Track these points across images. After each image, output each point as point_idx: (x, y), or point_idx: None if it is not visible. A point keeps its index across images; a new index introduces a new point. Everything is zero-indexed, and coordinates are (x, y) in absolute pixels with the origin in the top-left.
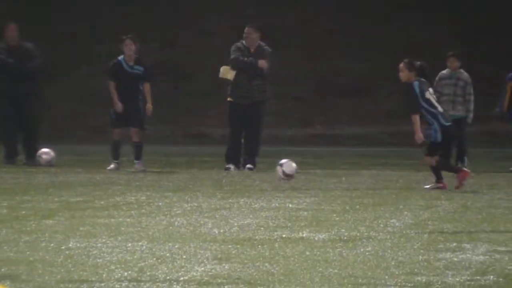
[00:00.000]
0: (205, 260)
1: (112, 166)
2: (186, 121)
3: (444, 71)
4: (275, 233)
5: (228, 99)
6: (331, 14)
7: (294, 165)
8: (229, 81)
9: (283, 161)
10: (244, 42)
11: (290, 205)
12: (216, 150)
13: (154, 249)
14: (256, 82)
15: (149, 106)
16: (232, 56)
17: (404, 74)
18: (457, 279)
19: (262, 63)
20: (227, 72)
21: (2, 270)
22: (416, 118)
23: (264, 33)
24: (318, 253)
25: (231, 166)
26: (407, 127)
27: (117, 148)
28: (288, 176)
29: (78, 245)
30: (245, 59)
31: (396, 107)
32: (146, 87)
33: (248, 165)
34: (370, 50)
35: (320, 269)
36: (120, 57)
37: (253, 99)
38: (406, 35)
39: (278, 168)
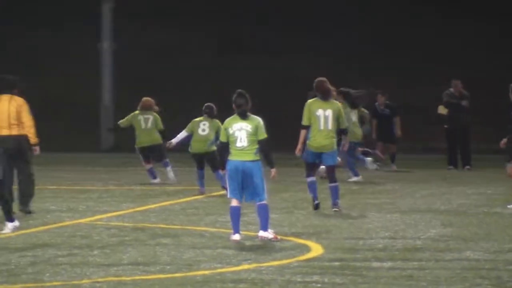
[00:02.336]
0: (436, 226)
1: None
2: (417, 138)
3: None
4: (480, 208)
5: (445, 125)
6: None
7: None
8: (444, 116)
9: None
10: (451, 89)
11: (489, 191)
12: (440, 157)
13: (403, 219)
14: (463, 113)
15: (398, 132)
16: (445, 99)
17: None
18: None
19: (466, 103)
20: (442, 110)
21: (311, 231)
22: None
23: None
24: (508, 221)
25: (451, 167)
26: None
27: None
28: None
29: (358, 215)
30: (454, 101)
31: None
32: (396, 120)
33: (467, 166)
34: None
35: (510, 231)
36: (376, 103)
37: (461, 125)
38: None
39: None
